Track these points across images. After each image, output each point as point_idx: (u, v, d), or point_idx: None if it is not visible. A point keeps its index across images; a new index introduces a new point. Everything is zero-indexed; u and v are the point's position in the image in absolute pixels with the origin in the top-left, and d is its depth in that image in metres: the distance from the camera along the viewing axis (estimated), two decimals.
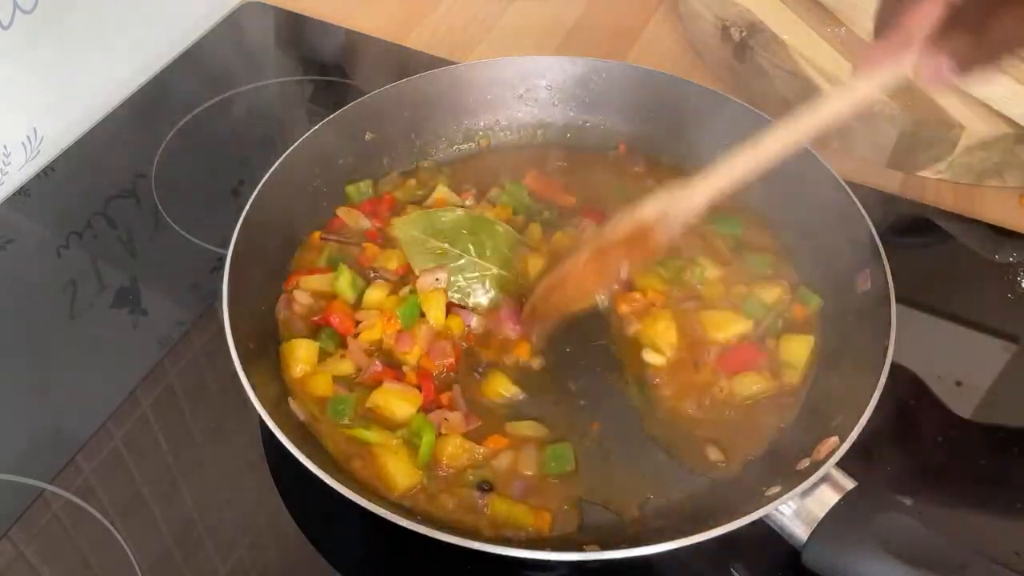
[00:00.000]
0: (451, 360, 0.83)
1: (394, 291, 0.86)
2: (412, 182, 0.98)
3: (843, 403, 0.76)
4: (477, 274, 0.86)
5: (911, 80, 0.66)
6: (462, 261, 0.86)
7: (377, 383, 0.80)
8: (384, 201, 0.95)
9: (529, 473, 0.76)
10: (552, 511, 0.75)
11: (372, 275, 0.88)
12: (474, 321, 0.85)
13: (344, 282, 0.86)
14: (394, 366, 0.82)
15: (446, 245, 0.86)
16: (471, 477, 0.76)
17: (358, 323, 0.84)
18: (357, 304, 0.86)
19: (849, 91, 0.68)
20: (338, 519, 0.76)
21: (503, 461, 0.77)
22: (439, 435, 0.77)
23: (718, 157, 0.95)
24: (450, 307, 0.85)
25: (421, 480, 0.75)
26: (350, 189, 0.96)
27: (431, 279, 0.85)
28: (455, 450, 0.76)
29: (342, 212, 0.94)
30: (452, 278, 0.85)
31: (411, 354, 0.82)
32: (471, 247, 0.86)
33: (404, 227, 0.88)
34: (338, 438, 0.78)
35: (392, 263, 0.88)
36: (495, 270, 0.86)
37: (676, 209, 0.75)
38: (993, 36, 0.61)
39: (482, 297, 0.86)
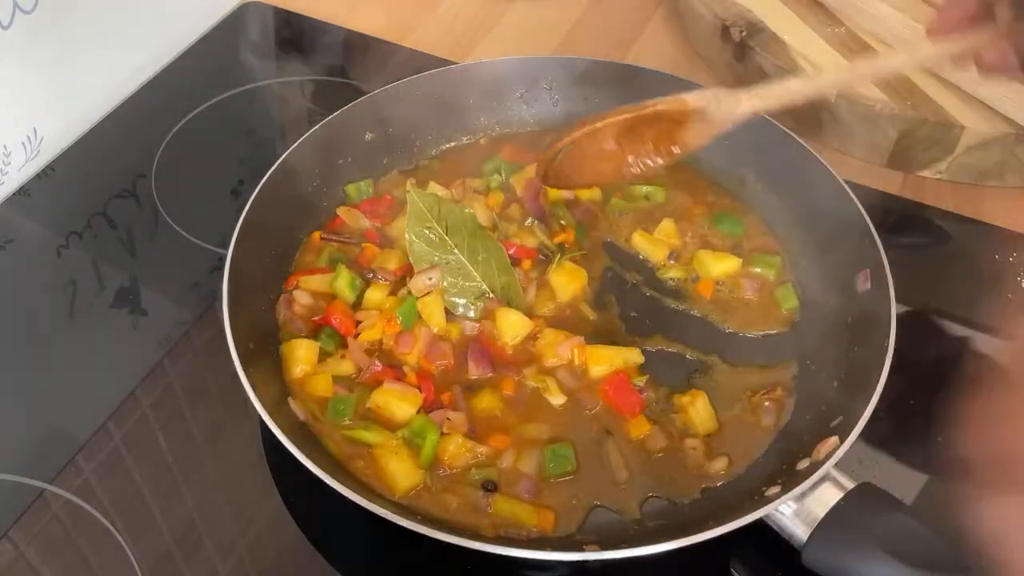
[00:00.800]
0: (450, 361, 0.83)
1: (393, 291, 0.86)
2: (412, 180, 0.98)
3: (843, 403, 0.76)
4: (463, 282, 0.85)
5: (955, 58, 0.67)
6: (452, 257, 0.85)
7: (377, 383, 0.80)
8: (384, 201, 0.95)
9: (530, 473, 0.76)
10: (556, 510, 0.75)
11: (371, 275, 0.88)
12: (470, 327, 0.85)
13: (343, 282, 0.86)
14: (394, 366, 0.82)
15: (443, 233, 0.86)
16: (475, 476, 0.76)
17: (358, 323, 0.84)
18: (357, 304, 0.86)
19: (914, 50, 0.68)
20: (338, 519, 0.76)
21: (505, 461, 0.77)
22: (441, 435, 0.77)
23: (717, 157, 0.95)
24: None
25: (423, 480, 0.75)
26: (350, 188, 0.96)
27: (424, 279, 0.85)
28: (457, 449, 0.76)
29: (342, 211, 0.94)
30: (444, 282, 0.85)
31: (411, 355, 0.82)
32: (465, 247, 0.86)
33: (417, 198, 0.86)
34: (338, 438, 0.78)
35: (391, 263, 0.88)
36: (480, 283, 0.85)
37: (719, 108, 0.74)
38: None
39: (469, 311, 0.85)
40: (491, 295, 0.85)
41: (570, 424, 0.80)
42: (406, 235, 0.86)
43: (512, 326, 0.83)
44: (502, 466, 0.77)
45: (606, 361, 0.82)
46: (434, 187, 0.95)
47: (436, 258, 0.85)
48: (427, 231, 0.86)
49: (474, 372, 0.82)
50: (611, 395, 0.81)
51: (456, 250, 0.86)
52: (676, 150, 0.78)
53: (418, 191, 0.89)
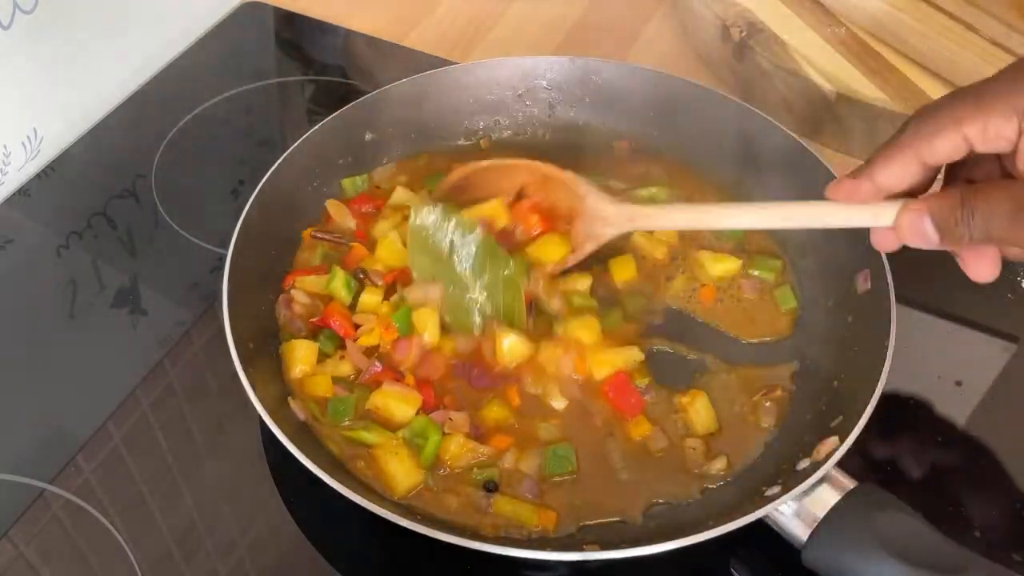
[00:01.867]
0: (444, 374, 0.82)
1: (387, 295, 0.85)
2: (403, 178, 0.97)
3: (843, 403, 0.76)
4: (461, 296, 0.83)
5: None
6: (454, 273, 0.83)
7: (377, 384, 0.80)
8: (374, 200, 0.94)
9: (531, 473, 0.76)
10: (558, 510, 0.74)
11: (361, 275, 0.87)
12: (465, 342, 0.83)
13: (339, 283, 0.85)
14: (394, 367, 0.82)
15: (448, 248, 0.83)
16: (477, 477, 0.76)
17: (357, 327, 0.84)
18: (353, 306, 0.85)
19: (826, 212, 0.70)
20: (338, 519, 0.76)
21: (507, 461, 0.77)
22: (443, 435, 0.77)
23: (716, 157, 0.95)
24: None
25: (423, 480, 0.75)
26: (345, 183, 0.96)
27: (420, 294, 0.83)
28: (458, 450, 0.76)
29: (331, 206, 0.93)
30: (443, 296, 0.83)
31: (407, 361, 0.82)
32: (469, 262, 0.83)
33: (420, 216, 0.83)
34: (339, 439, 0.77)
35: (379, 266, 0.87)
36: (480, 299, 0.83)
37: (599, 209, 0.80)
38: (979, 215, 0.61)
39: (466, 327, 0.83)
40: (490, 314, 0.83)
41: (573, 426, 0.80)
42: (408, 255, 0.84)
43: (511, 351, 0.82)
44: (504, 466, 0.77)
45: (607, 363, 0.82)
46: (399, 191, 0.94)
47: (437, 272, 0.83)
48: (430, 244, 0.83)
49: (475, 387, 0.82)
50: (612, 395, 0.80)
51: (460, 264, 0.83)
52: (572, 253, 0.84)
53: (421, 208, 0.84)
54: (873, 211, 0.68)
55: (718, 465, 0.77)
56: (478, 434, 0.78)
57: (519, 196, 0.87)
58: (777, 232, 0.93)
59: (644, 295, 0.89)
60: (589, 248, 0.84)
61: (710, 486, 0.76)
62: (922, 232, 0.65)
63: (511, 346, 0.82)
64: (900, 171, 0.65)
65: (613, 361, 0.82)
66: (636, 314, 0.87)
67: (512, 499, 0.75)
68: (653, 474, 0.77)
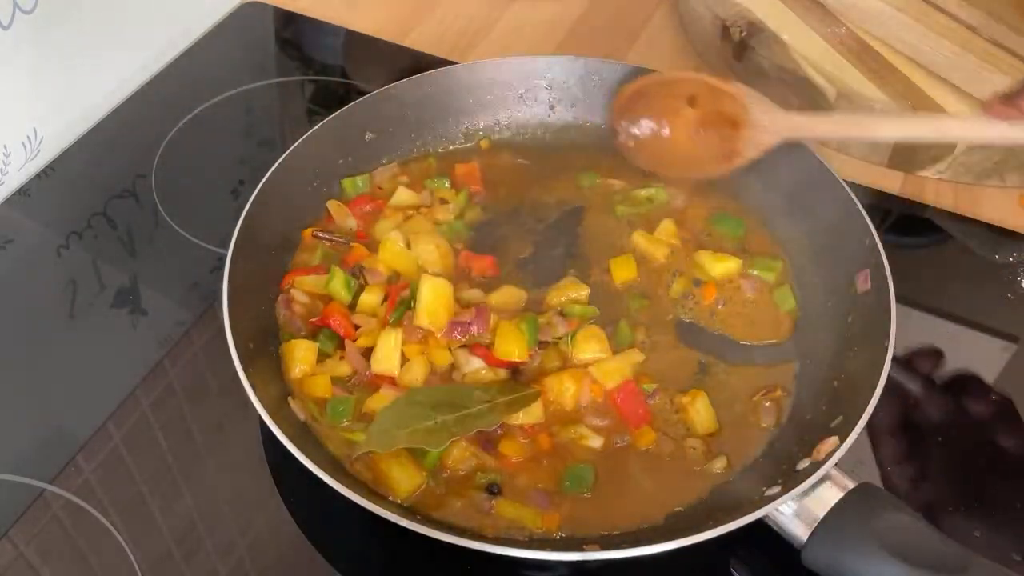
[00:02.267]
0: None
1: (386, 296, 0.84)
2: (405, 178, 0.97)
3: (843, 403, 0.76)
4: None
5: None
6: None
7: (375, 388, 0.79)
8: (374, 201, 0.94)
9: (542, 485, 0.76)
10: (563, 515, 0.74)
11: (360, 273, 0.86)
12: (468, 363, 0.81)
13: (338, 284, 0.85)
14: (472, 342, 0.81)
15: (435, 418, 0.75)
16: (480, 480, 0.75)
17: (357, 328, 0.83)
18: (353, 305, 0.85)
19: (976, 125, 0.75)
20: (338, 519, 0.76)
21: (518, 477, 0.76)
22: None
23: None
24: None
25: (424, 482, 0.75)
26: (346, 183, 0.96)
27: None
28: (461, 454, 0.76)
29: (332, 206, 0.93)
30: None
31: (488, 333, 0.81)
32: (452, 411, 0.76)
33: (387, 422, 0.75)
34: (338, 439, 0.77)
35: (379, 266, 0.87)
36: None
37: (772, 118, 0.86)
38: None
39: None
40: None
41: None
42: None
43: (528, 416, 0.78)
44: (514, 482, 0.75)
45: (616, 374, 0.81)
46: (402, 191, 0.95)
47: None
48: (413, 430, 0.74)
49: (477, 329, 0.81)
50: (621, 405, 0.79)
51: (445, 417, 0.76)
52: (735, 159, 0.89)
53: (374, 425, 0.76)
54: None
55: (718, 465, 0.77)
56: (486, 443, 0.77)
57: (691, 102, 0.92)
58: (778, 232, 0.93)
59: (646, 296, 0.88)
60: (751, 154, 0.89)
61: (710, 487, 0.76)
62: None
63: (527, 414, 0.78)
64: None
65: (621, 370, 0.81)
66: (639, 316, 0.87)
67: (515, 503, 0.74)
68: (667, 483, 0.76)
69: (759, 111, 0.88)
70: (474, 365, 0.80)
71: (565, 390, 0.80)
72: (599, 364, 0.81)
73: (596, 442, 0.78)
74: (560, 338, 0.83)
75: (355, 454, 0.75)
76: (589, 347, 0.82)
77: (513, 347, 0.80)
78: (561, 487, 0.75)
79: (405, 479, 0.74)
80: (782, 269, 0.90)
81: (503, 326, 0.81)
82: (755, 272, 0.90)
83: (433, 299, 0.81)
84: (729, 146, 0.89)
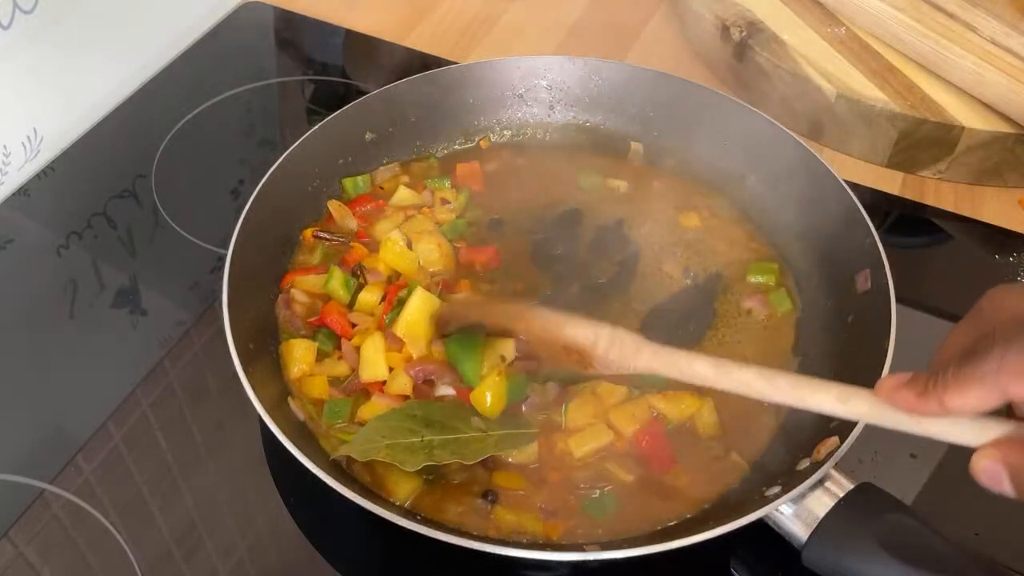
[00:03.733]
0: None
1: (387, 295, 0.84)
2: (405, 178, 0.97)
3: None
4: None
5: None
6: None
7: (367, 395, 0.79)
8: (375, 201, 0.94)
9: (543, 505, 0.74)
10: (565, 522, 0.73)
11: (359, 273, 0.86)
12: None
13: (337, 283, 0.85)
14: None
15: (423, 436, 0.74)
16: (476, 488, 0.74)
17: (354, 326, 0.83)
18: (352, 304, 0.85)
19: (852, 401, 0.59)
20: (338, 519, 0.76)
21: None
22: None
23: (715, 156, 0.95)
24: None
25: (420, 486, 0.74)
26: (347, 183, 0.96)
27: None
28: (458, 466, 0.74)
29: (333, 206, 0.93)
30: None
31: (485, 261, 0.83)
32: (442, 432, 0.75)
33: (373, 431, 0.74)
34: (336, 440, 0.77)
35: (380, 265, 0.87)
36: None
37: (615, 353, 0.68)
38: None
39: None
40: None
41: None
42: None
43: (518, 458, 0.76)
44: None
45: (635, 420, 0.78)
46: (403, 191, 0.94)
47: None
48: (407, 442, 0.73)
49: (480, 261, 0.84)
50: (646, 447, 0.77)
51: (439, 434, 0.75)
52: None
53: (356, 437, 0.74)
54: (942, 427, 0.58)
55: (737, 464, 0.76)
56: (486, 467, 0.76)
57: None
58: (775, 234, 0.93)
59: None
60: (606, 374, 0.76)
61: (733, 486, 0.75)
62: (998, 483, 0.57)
63: (520, 453, 0.76)
64: (977, 401, 0.54)
65: (639, 416, 0.78)
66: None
67: (514, 510, 0.73)
68: (686, 493, 0.75)
69: (608, 353, 0.69)
70: (444, 391, 0.78)
71: (590, 442, 0.76)
72: (616, 410, 0.78)
73: (630, 477, 0.75)
74: (547, 411, 0.78)
75: (335, 455, 0.73)
76: (583, 414, 0.78)
77: (485, 397, 0.76)
78: (581, 506, 0.74)
79: (403, 480, 0.74)
80: (780, 271, 0.90)
81: (491, 375, 0.76)
82: (754, 279, 0.89)
83: (417, 312, 0.79)
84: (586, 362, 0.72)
